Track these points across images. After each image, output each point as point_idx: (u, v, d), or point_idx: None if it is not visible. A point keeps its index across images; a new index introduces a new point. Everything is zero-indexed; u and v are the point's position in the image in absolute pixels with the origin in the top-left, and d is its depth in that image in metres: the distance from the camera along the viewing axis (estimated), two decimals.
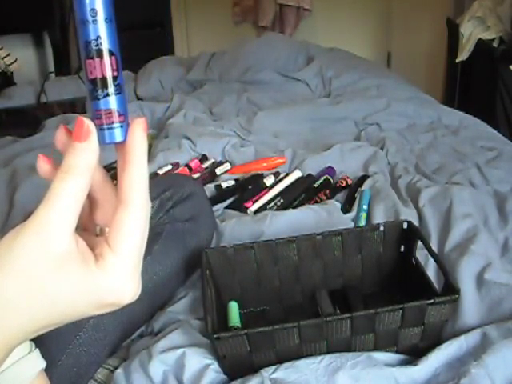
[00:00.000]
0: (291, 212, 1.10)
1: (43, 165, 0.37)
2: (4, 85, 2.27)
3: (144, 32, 2.92)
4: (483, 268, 0.86)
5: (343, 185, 1.26)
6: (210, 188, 1.27)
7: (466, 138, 1.49)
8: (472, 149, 1.41)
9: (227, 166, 1.42)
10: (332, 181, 1.28)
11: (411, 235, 0.87)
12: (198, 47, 2.82)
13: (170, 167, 1.39)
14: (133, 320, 0.83)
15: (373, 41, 3.20)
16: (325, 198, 1.21)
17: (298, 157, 1.42)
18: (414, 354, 0.74)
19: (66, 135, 0.36)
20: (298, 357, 0.71)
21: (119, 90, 0.35)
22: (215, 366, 0.72)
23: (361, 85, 1.98)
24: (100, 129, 0.35)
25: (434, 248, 0.96)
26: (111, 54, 0.34)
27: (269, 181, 1.30)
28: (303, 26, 3.12)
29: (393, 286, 0.91)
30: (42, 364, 0.55)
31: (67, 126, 0.37)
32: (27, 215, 0.35)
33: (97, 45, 0.34)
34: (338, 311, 0.84)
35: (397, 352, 0.75)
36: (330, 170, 1.32)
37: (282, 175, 1.33)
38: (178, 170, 1.38)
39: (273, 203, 1.20)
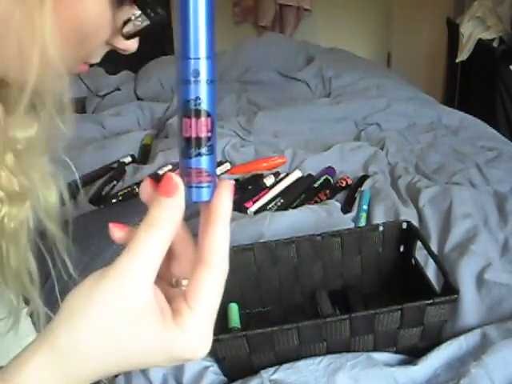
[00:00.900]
0: (291, 212, 1.09)
1: (118, 233, 0.37)
2: None
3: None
4: (483, 268, 0.86)
5: (343, 185, 1.26)
6: None
7: (466, 138, 1.49)
8: (472, 149, 1.41)
9: (227, 166, 1.42)
10: (332, 181, 1.28)
11: (411, 235, 0.87)
12: None
13: (169, 167, 1.39)
14: None
15: (373, 41, 3.20)
16: (325, 198, 1.21)
17: (297, 157, 1.42)
18: (413, 354, 0.74)
19: (151, 187, 0.37)
20: (298, 358, 0.72)
21: (211, 151, 0.35)
22: (215, 367, 0.73)
23: (361, 85, 1.98)
24: (188, 186, 0.36)
25: (434, 248, 0.96)
26: (208, 115, 0.34)
27: (269, 181, 1.30)
28: (303, 26, 3.11)
29: (392, 286, 0.91)
30: None
31: (153, 180, 0.38)
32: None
33: (195, 105, 0.34)
34: (338, 312, 0.84)
35: (396, 352, 0.75)
36: (330, 170, 1.32)
37: (282, 175, 1.33)
38: (177, 170, 1.37)
39: (273, 203, 1.20)
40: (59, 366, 0.35)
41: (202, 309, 0.36)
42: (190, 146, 0.35)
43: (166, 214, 0.35)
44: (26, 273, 0.55)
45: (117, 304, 0.34)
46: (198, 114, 0.34)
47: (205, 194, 0.36)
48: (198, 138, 0.35)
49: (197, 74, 0.33)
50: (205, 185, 0.36)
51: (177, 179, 0.35)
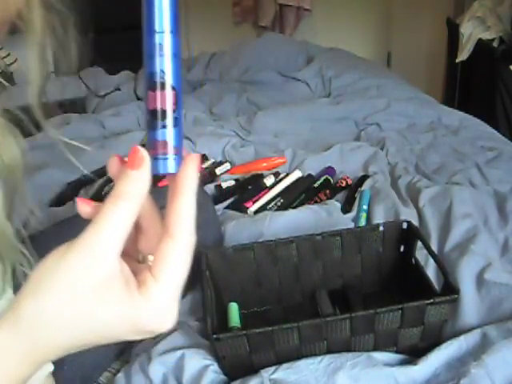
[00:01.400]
0: (291, 212, 1.09)
1: (85, 207, 0.37)
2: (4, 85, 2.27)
3: None
4: (483, 268, 0.86)
5: (343, 185, 1.26)
6: (210, 188, 1.27)
7: (466, 138, 1.49)
8: (472, 149, 1.41)
9: (227, 166, 1.42)
10: (332, 181, 1.28)
11: (411, 235, 0.87)
12: (198, 47, 2.82)
13: None
14: None
15: (373, 41, 3.20)
16: (325, 198, 1.21)
17: (298, 157, 1.42)
18: (413, 354, 0.74)
19: (118, 163, 0.37)
20: (298, 357, 0.71)
21: (176, 124, 0.36)
22: (215, 366, 0.72)
23: (361, 85, 1.98)
24: (154, 158, 0.36)
25: (434, 248, 0.96)
26: (173, 88, 0.35)
27: (269, 181, 1.30)
28: (303, 26, 3.11)
29: (392, 286, 0.91)
30: (50, 367, 0.55)
31: (120, 156, 0.38)
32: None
33: (160, 77, 0.35)
34: (338, 311, 0.84)
35: (396, 352, 0.75)
36: (329, 170, 1.32)
37: (282, 175, 1.33)
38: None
39: (273, 203, 1.20)
40: (24, 338, 0.35)
41: (166, 279, 0.36)
42: (155, 118, 0.36)
43: (132, 187, 0.35)
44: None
45: (82, 275, 0.34)
46: (162, 86, 0.35)
47: (171, 166, 0.37)
48: (163, 111, 0.35)
49: (161, 47, 0.35)
50: (171, 157, 0.36)
51: (143, 152, 0.36)
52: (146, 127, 0.36)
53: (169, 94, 0.35)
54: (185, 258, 0.37)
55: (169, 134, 0.36)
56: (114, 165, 0.37)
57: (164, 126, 0.36)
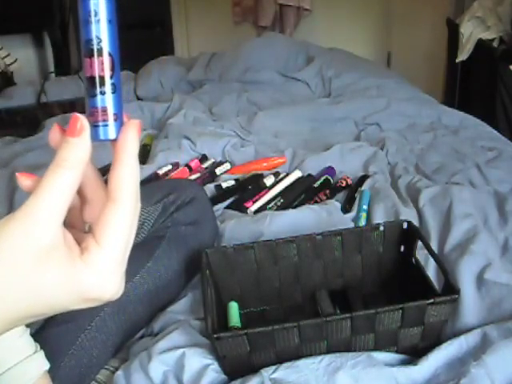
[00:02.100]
0: (291, 212, 1.10)
1: (25, 181, 0.37)
2: (4, 85, 2.27)
3: (144, 32, 2.92)
4: (483, 268, 0.86)
5: (343, 185, 1.26)
6: (210, 188, 1.27)
7: (466, 138, 1.49)
8: (472, 149, 1.41)
9: (227, 166, 1.42)
10: (332, 181, 1.28)
11: (411, 235, 0.87)
12: (198, 47, 2.82)
13: (169, 167, 1.39)
14: (135, 321, 0.83)
15: (373, 41, 3.20)
16: (325, 198, 1.21)
17: (297, 157, 1.42)
18: (413, 354, 0.74)
19: (59, 133, 0.37)
20: (298, 357, 0.71)
21: (114, 90, 0.36)
22: (215, 366, 0.72)
23: (361, 85, 1.98)
24: (94, 125, 0.36)
25: (434, 248, 0.96)
26: (109, 54, 0.36)
27: (269, 181, 1.30)
28: (303, 26, 3.12)
29: (393, 286, 0.91)
30: (47, 365, 0.55)
31: (61, 125, 0.38)
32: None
33: (96, 44, 0.35)
34: (338, 311, 0.84)
35: (397, 352, 0.75)
36: (329, 170, 1.32)
37: (282, 175, 1.33)
38: (177, 170, 1.38)
39: (273, 203, 1.20)
40: None
41: (109, 243, 0.35)
42: (93, 85, 0.36)
43: (72, 154, 0.35)
44: None
45: (23, 242, 0.34)
46: (99, 53, 0.35)
47: (111, 133, 0.37)
48: (101, 77, 0.36)
49: (96, 13, 0.35)
50: (111, 123, 0.37)
51: (82, 119, 0.35)
52: (85, 95, 0.36)
53: (106, 60, 0.35)
54: (128, 222, 0.36)
55: (108, 100, 0.36)
56: (55, 134, 0.37)
57: (102, 93, 0.36)
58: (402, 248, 0.90)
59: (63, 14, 2.73)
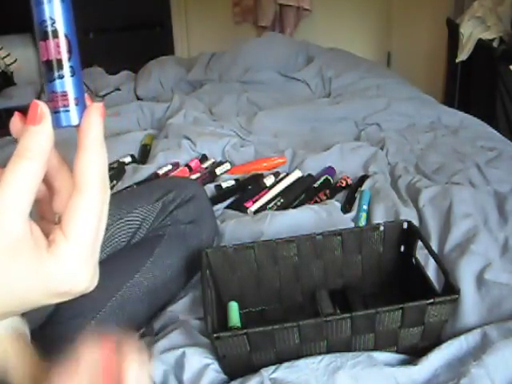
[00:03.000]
0: (291, 212, 1.10)
1: None
2: (4, 85, 2.27)
3: (144, 32, 2.92)
4: (483, 268, 0.86)
5: (343, 185, 1.26)
6: (210, 188, 1.27)
7: (466, 138, 1.49)
8: (472, 149, 1.41)
9: (227, 165, 1.42)
10: (332, 181, 1.28)
11: (411, 235, 0.87)
12: (198, 47, 2.81)
13: (169, 167, 1.39)
14: (134, 321, 0.83)
15: (373, 41, 3.20)
16: (325, 198, 1.21)
17: (297, 157, 1.42)
18: (413, 354, 0.74)
19: (21, 121, 0.35)
20: (298, 356, 0.71)
21: (73, 73, 0.34)
22: (215, 365, 0.72)
23: (361, 85, 1.98)
24: (55, 112, 0.35)
25: (434, 248, 0.96)
26: (65, 35, 0.34)
27: (269, 181, 1.30)
28: (303, 26, 3.11)
29: (393, 286, 0.91)
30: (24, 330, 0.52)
31: (21, 113, 0.36)
32: None
33: (50, 25, 0.33)
34: (338, 311, 0.84)
35: (397, 352, 0.75)
36: (329, 170, 1.32)
37: (281, 175, 1.33)
38: (177, 170, 1.38)
39: (273, 203, 1.20)
40: None
41: (76, 234, 0.34)
42: (50, 69, 0.34)
43: (34, 143, 0.33)
44: None
45: None
46: (54, 35, 0.33)
47: (73, 118, 0.35)
48: (58, 60, 0.34)
49: None
50: (72, 108, 0.35)
51: (42, 106, 0.34)
52: (44, 80, 0.35)
53: (62, 42, 0.34)
54: (96, 211, 0.35)
55: (67, 84, 0.34)
56: (16, 123, 0.35)
57: (61, 77, 0.34)
58: (402, 248, 0.90)
59: None
